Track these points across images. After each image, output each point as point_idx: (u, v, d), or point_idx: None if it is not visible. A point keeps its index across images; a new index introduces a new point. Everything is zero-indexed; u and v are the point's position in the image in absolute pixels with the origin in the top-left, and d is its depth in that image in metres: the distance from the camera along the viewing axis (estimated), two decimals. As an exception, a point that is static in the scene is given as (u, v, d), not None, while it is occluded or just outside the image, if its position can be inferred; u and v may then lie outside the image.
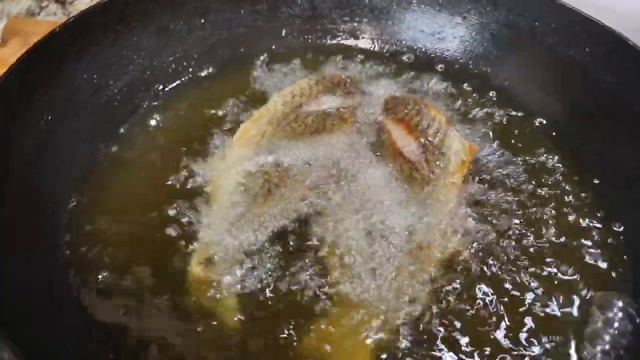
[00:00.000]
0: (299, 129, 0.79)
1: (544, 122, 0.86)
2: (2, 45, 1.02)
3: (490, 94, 0.90)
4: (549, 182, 0.78)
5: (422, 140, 0.77)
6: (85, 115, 0.77)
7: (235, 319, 0.61)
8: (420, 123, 0.80)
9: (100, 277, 0.64)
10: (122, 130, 0.80)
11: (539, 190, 0.76)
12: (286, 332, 0.60)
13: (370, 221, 0.69)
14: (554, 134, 0.84)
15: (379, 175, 0.75)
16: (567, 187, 0.77)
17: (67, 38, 0.75)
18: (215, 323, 0.61)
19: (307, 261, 0.66)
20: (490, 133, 0.84)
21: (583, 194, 0.76)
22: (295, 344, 0.60)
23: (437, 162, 0.75)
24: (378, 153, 0.78)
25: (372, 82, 0.92)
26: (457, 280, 0.65)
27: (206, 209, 0.70)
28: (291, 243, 0.67)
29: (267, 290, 0.63)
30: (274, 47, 0.96)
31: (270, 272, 0.64)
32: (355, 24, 1.00)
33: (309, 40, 0.98)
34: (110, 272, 0.64)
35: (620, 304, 0.62)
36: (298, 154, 0.76)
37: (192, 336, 0.60)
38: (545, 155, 0.81)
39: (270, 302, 0.62)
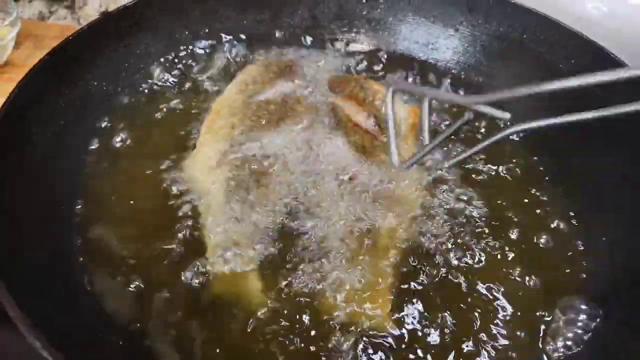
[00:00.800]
0: (264, 117, 0.83)
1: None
2: (15, 47, 1.07)
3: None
4: (527, 188, 0.82)
5: (373, 111, 0.85)
6: (95, 118, 0.81)
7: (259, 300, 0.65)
8: (366, 97, 0.88)
9: (113, 277, 0.67)
10: (127, 133, 0.83)
11: (510, 195, 0.80)
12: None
13: (348, 200, 0.74)
14: (540, 141, 0.87)
15: (346, 149, 0.81)
16: (538, 193, 0.81)
17: (81, 45, 0.79)
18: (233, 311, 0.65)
19: (303, 246, 0.70)
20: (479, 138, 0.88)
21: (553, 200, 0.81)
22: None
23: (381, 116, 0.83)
24: (339, 130, 0.83)
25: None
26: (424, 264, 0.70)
27: (207, 208, 0.73)
28: (288, 229, 0.72)
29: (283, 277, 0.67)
30: (274, 55, 1.01)
31: (277, 259, 0.69)
32: (353, 34, 1.04)
33: (310, 50, 1.03)
34: (122, 270, 0.67)
35: (582, 306, 0.65)
36: (272, 142, 0.80)
37: (208, 324, 0.64)
38: (528, 160, 0.86)
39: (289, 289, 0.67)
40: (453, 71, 1.00)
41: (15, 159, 0.66)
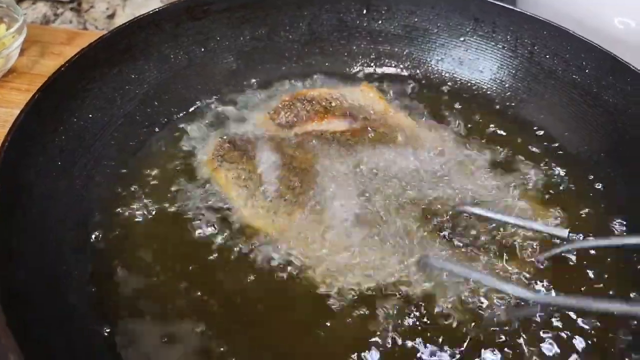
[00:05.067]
0: (285, 192, 0.73)
1: (544, 140, 0.87)
2: (20, 54, 1.00)
3: (491, 113, 0.91)
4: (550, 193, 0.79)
5: (341, 113, 0.84)
6: (94, 154, 0.75)
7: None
8: (327, 105, 0.86)
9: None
10: (128, 169, 0.77)
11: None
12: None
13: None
14: (555, 151, 0.85)
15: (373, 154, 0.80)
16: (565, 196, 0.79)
17: (73, 76, 0.73)
18: None
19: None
20: (490, 151, 0.84)
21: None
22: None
23: (368, 116, 0.85)
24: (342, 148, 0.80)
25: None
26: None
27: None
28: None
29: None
30: (273, 73, 0.96)
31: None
32: (354, 48, 1.00)
33: (310, 65, 0.98)
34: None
35: None
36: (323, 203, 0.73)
37: None
38: (545, 170, 0.82)
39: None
40: (459, 82, 0.97)
41: (17, 214, 0.60)
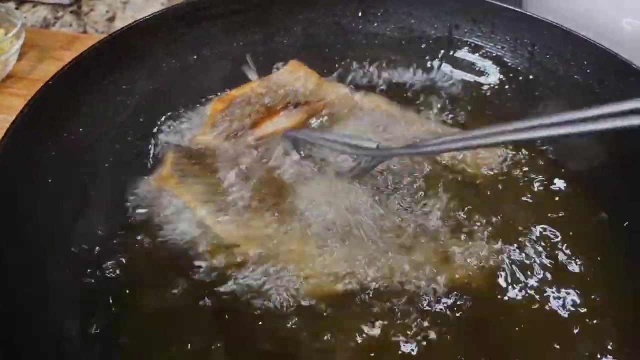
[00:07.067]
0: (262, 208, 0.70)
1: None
2: (18, 58, 0.99)
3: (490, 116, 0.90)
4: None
5: (282, 105, 0.83)
6: (89, 167, 0.73)
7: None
8: (259, 107, 0.82)
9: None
10: (122, 182, 0.75)
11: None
12: None
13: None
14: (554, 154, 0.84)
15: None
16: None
17: (64, 89, 0.71)
18: None
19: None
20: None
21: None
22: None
23: (306, 98, 0.84)
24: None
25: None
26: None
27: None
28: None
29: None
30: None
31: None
32: (350, 52, 0.98)
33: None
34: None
35: None
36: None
37: None
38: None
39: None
40: (457, 82, 0.95)
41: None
